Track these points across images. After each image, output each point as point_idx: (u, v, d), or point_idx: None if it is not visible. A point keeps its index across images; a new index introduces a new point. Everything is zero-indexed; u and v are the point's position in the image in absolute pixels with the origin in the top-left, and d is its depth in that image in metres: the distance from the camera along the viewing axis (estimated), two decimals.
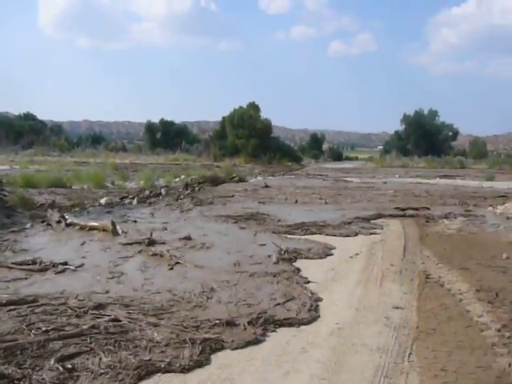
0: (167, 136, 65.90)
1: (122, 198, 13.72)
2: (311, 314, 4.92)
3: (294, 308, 5.03)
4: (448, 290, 5.84)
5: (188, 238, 8.39)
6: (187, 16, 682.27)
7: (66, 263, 6.56)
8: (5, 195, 12.54)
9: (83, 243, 8.24)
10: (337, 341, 4.30)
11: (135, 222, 10.45)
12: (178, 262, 6.80)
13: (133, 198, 13.68)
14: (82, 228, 9.44)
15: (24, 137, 59.82)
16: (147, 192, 14.96)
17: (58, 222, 9.79)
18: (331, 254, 7.76)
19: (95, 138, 79.85)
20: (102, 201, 13.64)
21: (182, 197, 14.78)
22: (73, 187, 17.58)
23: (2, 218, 10.79)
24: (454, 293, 5.70)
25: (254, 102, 52.68)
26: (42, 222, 10.03)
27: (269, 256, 7.34)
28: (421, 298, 5.52)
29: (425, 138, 61.00)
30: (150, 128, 68.58)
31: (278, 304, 5.15)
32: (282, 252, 7.46)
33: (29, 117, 72.01)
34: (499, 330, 4.49)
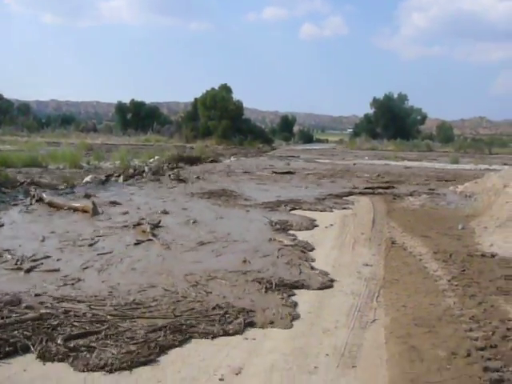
0: (138, 117, 65.44)
1: (107, 176, 14.36)
2: None
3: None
4: (410, 252, 6.85)
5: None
6: None
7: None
8: None
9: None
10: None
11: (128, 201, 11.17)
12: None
13: (118, 176, 14.38)
14: (61, 208, 9.56)
15: None
16: (131, 170, 15.66)
17: (39, 200, 10.22)
18: (317, 226, 8.69)
19: (65, 119, 78.93)
20: (87, 179, 14.24)
21: (164, 175, 15.54)
22: (48, 167, 17.87)
23: None
24: (415, 254, 6.70)
25: (226, 84, 53.03)
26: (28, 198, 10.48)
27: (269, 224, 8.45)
28: (387, 258, 6.52)
29: (394, 121, 62.29)
30: (121, 108, 68.03)
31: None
32: (273, 224, 8.41)
33: None
34: (449, 281, 5.48)
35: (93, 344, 3.63)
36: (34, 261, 5.82)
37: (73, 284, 5.03)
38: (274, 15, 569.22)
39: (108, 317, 4.08)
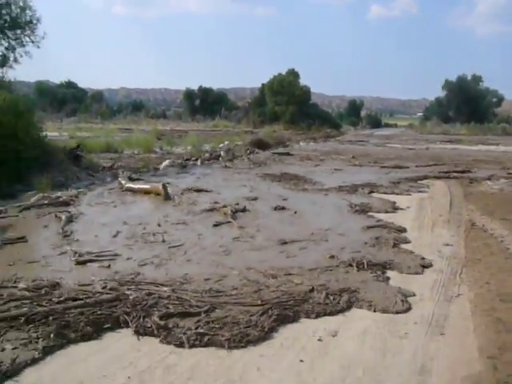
0: (206, 103, 66.56)
1: (186, 160, 14.96)
2: None
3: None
4: (491, 234, 6.92)
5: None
6: None
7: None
8: (84, 157, 14.01)
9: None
10: None
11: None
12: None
13: (196, 160, 14.95)
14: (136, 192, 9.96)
15: (67, 104, 61.23)
16: (207, 154, 16.23)
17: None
18: (396, 208, 8.86)
19: (135, 106, 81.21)
20: (166, 163, 14.87)
21: (238, 159, 16.01)
22: (124, 152, 18.75)
23: (86, 176, 12.28)
24: (496, 236, 6.77)
25: (293, 69, 52.92)
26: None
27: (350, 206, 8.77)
28: (467, 238, 6.63)
29: (467, 104, 60.23)
30: (189, 95, 69.35)
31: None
32: (353, 206, 8.74)
33: (70, 85, 73.28)
34: None
35: (198, 325, 3.81)
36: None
37: (153, 268, 5.25)
38: None
39: (193, 301, 4.20)
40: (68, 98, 65.68)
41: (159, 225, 7.20)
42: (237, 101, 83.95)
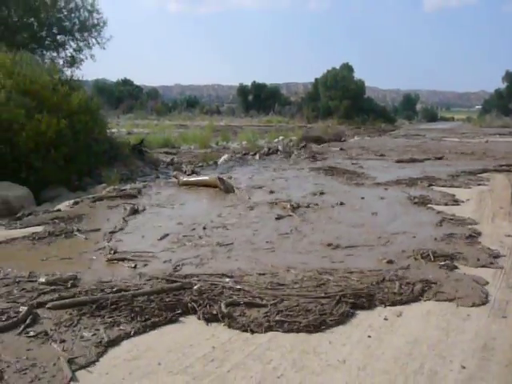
0: (259, 98, 66.99)
1: (244, 154, 15.38)
2: None
3: None
4: None
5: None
6: None
7: None
8: (147, 152, 14.64)
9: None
10: None
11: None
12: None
13: (254, 154, 15.35)
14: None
15: (123, 101, 62.90)
16: (265, 149, 16.59)
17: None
18: (456, 201, 8.94)
19: (190, 102, 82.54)
20: (224, 157, 15.30)
21: (295, 154, 16.30)
22: (181, 147, 19.36)
23: (150, 170, 12.88)
24: None
25: (347, 63, 52.65)
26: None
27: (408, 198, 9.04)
28: None
29: None
30: (243, 91, 69.97)
31: None
32: (412, 198, 8.95)
33: (127, 82, 75.14)
34: None
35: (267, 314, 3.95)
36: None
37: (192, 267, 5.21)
38: None
39: (255, 292, 4.34)
40: (124, 96, 67.51)
41: (210, 222, 7.14)
42: (289, 96, 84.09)
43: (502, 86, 65.01)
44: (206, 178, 10.52)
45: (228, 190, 9.54)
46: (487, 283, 4.67)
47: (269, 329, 3.74)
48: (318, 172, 12.70)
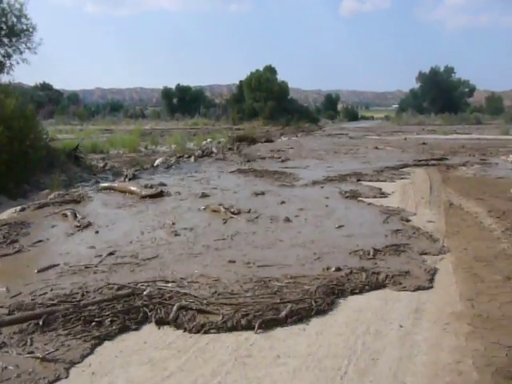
0: (184, 101, 67.11)
1: (179, 157, 15.72)
2: None
3: None
4: (467, 211, 7.87)
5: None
6: None
7: None
8: (82, 158, 14.70)
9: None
10: None
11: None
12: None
13: (189, 157, 15.72)
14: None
15: (43, 107, 60.96)
16: (199, 151, 17.00)
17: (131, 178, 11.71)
18: (383, 193, 9.75)
19: (113, 106, 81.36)
20: (159, 161, 15.57)
21: (228, 155, 16.82)
22: (109, 152, 19.33)
23: (88, 176, 12.98)
24: (472, 213, 7.73)
25: (270, 65, 53.87)
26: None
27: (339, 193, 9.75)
28: (447, 216, 7.58)
29: (441, 95, 61.97)
30: (167, 94, 69.85)
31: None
32: (344, 192, 9.70)
33: (45, 87, 73.13)
34: (503, 231, 6.51)
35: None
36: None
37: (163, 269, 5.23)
38: None
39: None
40: (44, 101, 65.54)
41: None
42: (214, 98, 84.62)
43: (416, 85, 68.48)
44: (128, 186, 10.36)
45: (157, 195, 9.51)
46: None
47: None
48: (254, 174, 12.78)
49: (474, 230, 6.64)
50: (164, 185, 10.73)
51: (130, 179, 11.47)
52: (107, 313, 4.07)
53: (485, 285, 4.58)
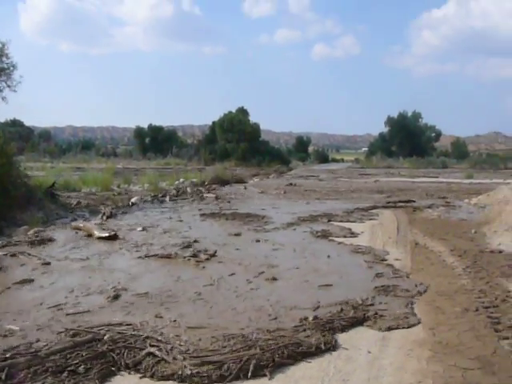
0: (156, 141, 67.38)
1: (154, 197, 16.01)
2: None
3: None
4: (431, 250, 8.37)
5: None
6: (170, 20, 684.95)
7: None
8: (58, 195, 14.88)
9: None
10: None
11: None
12: None
13: (164, 196, 16.03)
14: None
15: (13, 143, 60.23)
16: (174, 191, 17.33)
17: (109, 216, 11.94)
18: (352, 233, 10.23)
19: (85, 144, 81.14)
20: (134, 199, 15.80)
21: (204, 196, 17.17)
22: (82, 190, 19.05)
23: (65, 213, 13.15)
24: (435, 252, 8.22)
25: (242, 107, 54.96)
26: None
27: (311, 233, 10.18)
28: (413, 254, 8.06)
29: (408, 139, 63.77)
30: (139, 133, 70.09)
31: None
32: (315, 232, 10.15)
33: (16, 123, 72.58)
34: (464, 269, 6.99)
35: None
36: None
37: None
38: (286, 37, 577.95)
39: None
40: (14, 137, 65.00)
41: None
42: (186, 138, 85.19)
43: (385, 129, 70.33)
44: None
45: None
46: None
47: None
48: (226, 218, 12.48)
49: (437, 268, 7.11)
50: (145, 229, 10.70)
51: (107, 217, 11.70)
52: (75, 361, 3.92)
53: (445, 316, 5.00)
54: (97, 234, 9.67)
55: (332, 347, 4.28)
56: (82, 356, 3.99)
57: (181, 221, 11.78)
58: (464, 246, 8.67)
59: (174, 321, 4.87)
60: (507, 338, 4.40)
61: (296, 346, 4.21)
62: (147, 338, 4.35)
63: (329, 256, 7.95)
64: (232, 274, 6.79)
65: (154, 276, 6.87)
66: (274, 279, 6.51)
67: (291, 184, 24.15)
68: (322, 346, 4.25)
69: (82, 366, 3.84)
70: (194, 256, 7.78)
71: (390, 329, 4.70)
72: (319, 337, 4.41)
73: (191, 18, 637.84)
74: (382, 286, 6.11)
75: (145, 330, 4.59)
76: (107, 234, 9.52)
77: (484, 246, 8.74)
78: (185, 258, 7.75)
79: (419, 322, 4.87)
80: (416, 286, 6.15)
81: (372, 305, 5.41)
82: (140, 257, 7.93)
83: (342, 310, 5.18)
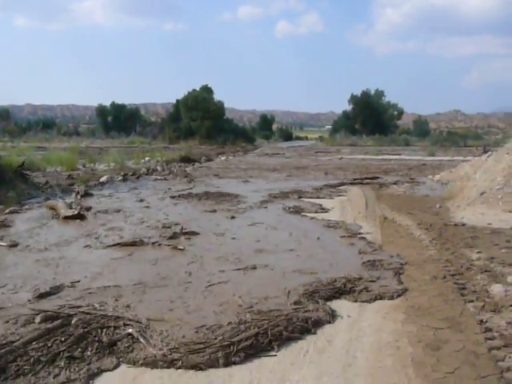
0: (119, 119, 66.65)
1: (124, 175, 16.06)
2: None
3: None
4: (399, 224, 8.81)
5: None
6: None
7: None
8: (28, 175, 14.81)
9: None
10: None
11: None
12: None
13: (134, 175, 16.15)
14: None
15: None
16: (144, 170, 17.40)
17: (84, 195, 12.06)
18: (323, 209, 10.61)
19: (46, 123, 79.51)
20: (103, 179, 15.84)
21: (175, 174, 17.33)
22: (47, 170, 18.94)
23: (37, 192, 13.15)
24: (403, 225, 8.67)
25: (206, 85, 54.58)
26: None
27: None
28: (382, 228, 8.49)
29: (372, 117, 64.57)
30: (102, 111, 69.16)
31: None
32: (288, 208, 10.50)
33: None
34: (430, 241, 7.44)
35: None
36: None
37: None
38: (248, 14, 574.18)
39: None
40: None
41: None
42: (149, 116, 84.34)
43: (349, 107, 71.01)
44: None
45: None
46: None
47: None
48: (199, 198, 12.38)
49: (406, 240, 7.55)
50: (117, 210, 11.02)
51: (82, 196, 11.78)
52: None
53: (416, 283, 5.41)
54: (63, 212, 9.44)
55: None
56: (63, 341, 3.95)
57: (149, 203, 11.55)
58: (430, 219, 9.14)
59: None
60: (472, 301, 4.82)
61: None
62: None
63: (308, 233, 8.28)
64: (219, 258, 6.60)
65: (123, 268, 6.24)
66: (260, 251, 6.90)
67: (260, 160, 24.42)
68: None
69: (79, 350, 3.85)
70: (172, 238, 7.56)
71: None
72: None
73: None
74: (369, 261, 6.36)
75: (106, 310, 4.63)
76: (73, 213, 9.26)
77: (448, 219, 9.23)
78: (155, 244, 7.32)
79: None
80: (392, 257, 6.55)
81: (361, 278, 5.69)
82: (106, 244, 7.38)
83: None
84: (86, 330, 4.14)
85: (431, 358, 3.68)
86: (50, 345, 3.91)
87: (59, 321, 4.29)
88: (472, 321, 4.35)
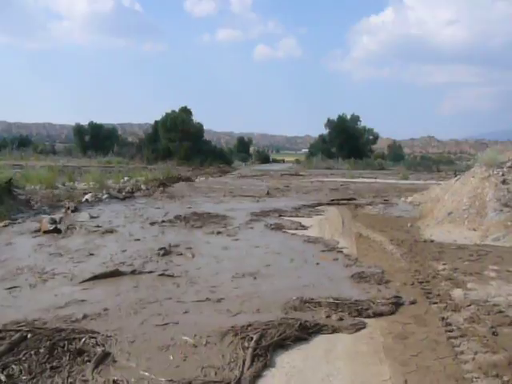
0: (97, 139, 66.76)
1: (108, 194, 16.52)
2: None
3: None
4: (373, 240, 9.55)
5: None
6: (109, 15, 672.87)
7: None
8: (15, 191, 15.21)
9: None
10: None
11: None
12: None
13: (120, 192, 16.64)
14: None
15: None
16: (128, 188, 17.90)
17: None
18: (302, 226, 11.27)
19: (22, 141, 79.16)
20: (87, 197, 16.24)
21: (157, 193, 17.85)
22: (25, 188, 18.50)
23: (26, 208, 13.57)
24: (377, 241, 9.41)
25: (185, 107, 55.27)
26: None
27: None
28: (357, 243, 9.21)
29: (348, 141, 65.81)
30: (79, 130, 69.21)
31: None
32: (269, 225, 11.14)
33: None
34: (401, 255, 8.15)
35: None
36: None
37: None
38: (227, 36, 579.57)
39: None
40: None
41: None
42: (126, 137, 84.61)
43: (325, 131, 72.30)
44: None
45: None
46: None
47: None
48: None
49: (379, 254, 8.27)
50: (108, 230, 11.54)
51: (72, 211, 12.26)
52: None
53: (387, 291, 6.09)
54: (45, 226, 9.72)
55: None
56: (32, 355, 3.97)
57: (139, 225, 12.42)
58: (401, 236, 9.89)
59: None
60: (436, 303, 5.52)
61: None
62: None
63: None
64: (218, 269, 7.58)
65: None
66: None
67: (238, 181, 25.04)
68: None
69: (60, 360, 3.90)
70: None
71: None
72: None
73: (131, 14, 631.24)
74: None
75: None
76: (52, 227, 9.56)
77: (418, 236, 10.00)
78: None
79: None
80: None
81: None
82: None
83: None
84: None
85: (399, 345, 4.35)
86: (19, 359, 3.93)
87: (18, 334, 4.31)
88: (435, 318, 5.04)
